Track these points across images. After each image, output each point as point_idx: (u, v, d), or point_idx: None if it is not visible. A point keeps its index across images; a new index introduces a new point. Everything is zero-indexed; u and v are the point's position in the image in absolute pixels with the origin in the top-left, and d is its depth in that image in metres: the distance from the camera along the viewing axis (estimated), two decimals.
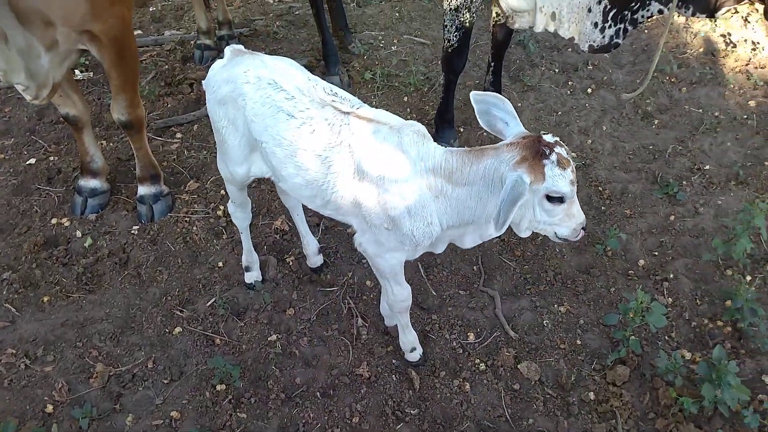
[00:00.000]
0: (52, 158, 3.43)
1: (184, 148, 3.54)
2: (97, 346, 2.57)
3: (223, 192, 3.27)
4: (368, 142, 1.91)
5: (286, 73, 2.05)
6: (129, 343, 2.60)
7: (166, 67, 4.18)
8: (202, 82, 2.25)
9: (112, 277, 2.83)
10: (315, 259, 2.89)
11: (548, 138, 1.78)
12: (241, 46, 2.22)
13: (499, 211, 1.72)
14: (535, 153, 1.75)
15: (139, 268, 2.87)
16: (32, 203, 3.13)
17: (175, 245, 2.98)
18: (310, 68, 4.18)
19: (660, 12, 2.68)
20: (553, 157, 1.74)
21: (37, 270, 2.81)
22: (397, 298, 2.26)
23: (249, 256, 2.76)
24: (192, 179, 3.33)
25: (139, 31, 4.60)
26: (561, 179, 1.75)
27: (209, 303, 2.74)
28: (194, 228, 3.07)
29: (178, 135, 3.62)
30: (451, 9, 3.07)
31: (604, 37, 2.86)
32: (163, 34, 4.57)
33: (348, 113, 1.96)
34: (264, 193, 3.30)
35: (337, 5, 4.38)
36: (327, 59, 4.16)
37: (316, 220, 3.09)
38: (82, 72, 3.97)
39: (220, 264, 2.92)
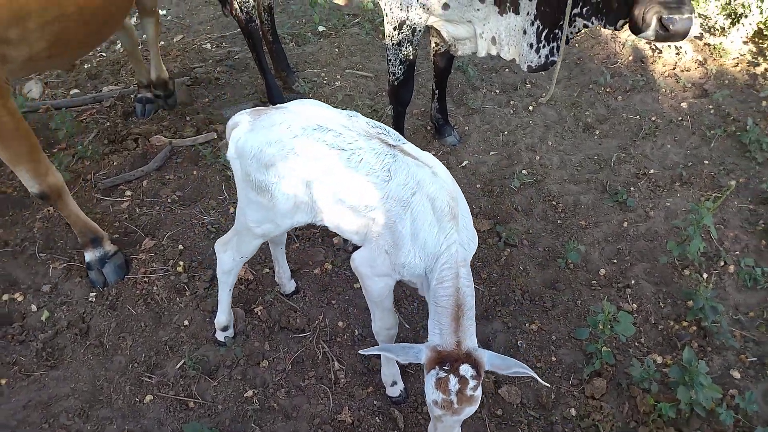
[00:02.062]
0: None
1: (135, 205, 3.45)
2: (65, 425, 2.44)
3: (181, 247, 3.20)
4: (407, 176, 2.00)
5: (325, 114, 2.14)
6: (99, 418, 2.48)
7: (108, 124, 4.08)
8: (227, 155, 2.25)
9: (74, 350, 2.70)
10: (289, 285, 2.94)
11: (464, 369, 1.80)
12: (251, 109, 2.25)
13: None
14: (441, 359, 1.83)
15: (101, 337, 2.76)
16: None
17: (136, 308, 2.88)
18: None
19: (585, 26, 2.80)
20: (442, 375, 1.80)
21: None
22: (383, 325, 2.30)
23: (228, 315, 2.71)
24: (147, 237, 3.24)
25: (76, 90, 4.48)
26: (430, 392, 1.83)
27: (178, 365, 2.65)
28: (154, 288, 2.97)
29: (128, 193, 3.52)
30: (393, 44, 3.12)
31: (540, 56, 2.96)
32: (101, 90, 4.46)
33: (394, 146, 2.06)
34: None
35: (276, 47, 4.40)
36: (272, 101, 4.15)
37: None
38: None
39: (186, 322, 2.84)
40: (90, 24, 2.70)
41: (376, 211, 2.03)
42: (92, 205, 3.42)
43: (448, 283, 1.92)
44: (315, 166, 2.07)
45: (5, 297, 2.90)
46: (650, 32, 2.33)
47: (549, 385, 2.02)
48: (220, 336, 2.74)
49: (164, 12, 5.69)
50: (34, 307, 2.87)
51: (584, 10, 2.70)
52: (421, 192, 2.00)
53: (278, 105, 2.27)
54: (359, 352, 2.13)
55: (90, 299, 2.92)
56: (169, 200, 3.47)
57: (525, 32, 2.93)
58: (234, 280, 2.60)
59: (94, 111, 4.21)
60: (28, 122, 3.80)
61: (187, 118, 4.19)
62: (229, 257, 2.49)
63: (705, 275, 3.07)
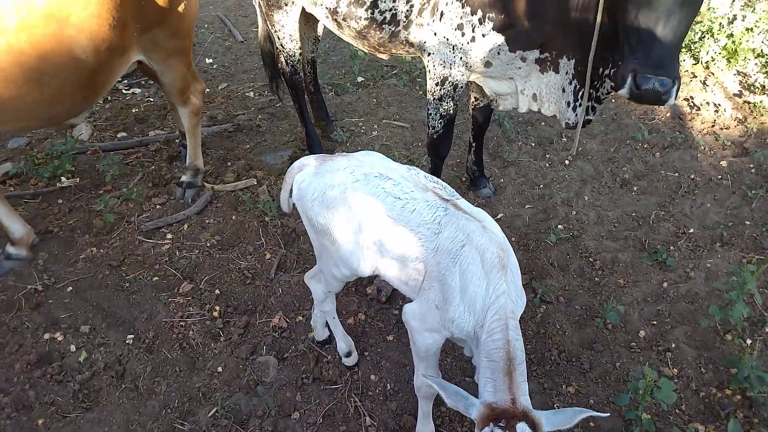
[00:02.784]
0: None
1: (175, 248, 3.52)
2: None
3: (217, 291, 3.24)
4: (456, 229, 2.02)
5: (387, 165, 2.25)
6: None
7: (153, 167, 4.22)
8: (292, 198, 2.38)
9: (109, 392, 2.73)
10: (323, 333, 2.96)
11: (521, 428, 1.73)
12: (318, 155, 2.40)
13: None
14: (496, 417, 1.76)
15: (136, 381, 2.79)
16: (23, 319, 3.06)
17: (171, 352, 2.91)
18: (295, 158, 4.31)
19: (612, 88, 2.83)
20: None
21: (30, 391, 2.71)
22: (425, 382, 2.27)
23: (346, 339, 2.84)
24: (185, 280, 3.30)
25: (124, 133, 4.66)
26: None
27: (210, 413, 2.65)
28: (190, 332, 3.01)
29: (169, 236, 3.61)
30: (435, 99, 3.19)
31: (576, 114, 2.99)
32: (147, 134, 4.64)
33: (447, 200, 2.12)
34: (258, 289, 3.28)
35: (317, 97, 4.53)
36: (311, 149, 4.26)
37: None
38: (68, 179, 3.99)
39: (220, 369, 2.85)
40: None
41: (425, 263, 2.05)
42: (134, 246, 3.51)
43: (498, 335, 1.88)
44: (371, 211, 2.13)
45: (46, 336, 2.97)
46: (625, 90, 2.35)
47: (607, 414, 1.92)
48: (347, 362, 2.85)
49: (210, 60, 5.94)
50: (73, 347, 2.92)
51: (612, 71, 2.73)
52: (471, 244, 2.00)
53: (345, 154, 2.39)
54: (422, 374, 2.15)
55: (127, 341, 2.96)
56: (207, 244, 3.55)
57: (564, 90, 2.98)
58: (332, 308, 2.72)
59: (140, 154, 4.37)
60: (77, 163, 4.04)
61: (229, 164, 4.31)
62: (320, 290, 2.62)
63: (749, 341, 2.96)
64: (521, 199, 3.99)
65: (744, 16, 5.34)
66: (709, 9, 5.59)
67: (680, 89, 4.87)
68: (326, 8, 3.24)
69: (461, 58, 2.95)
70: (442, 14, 2.87)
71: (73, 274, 3.31)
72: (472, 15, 2.78)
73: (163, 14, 3.17)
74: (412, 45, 3.16)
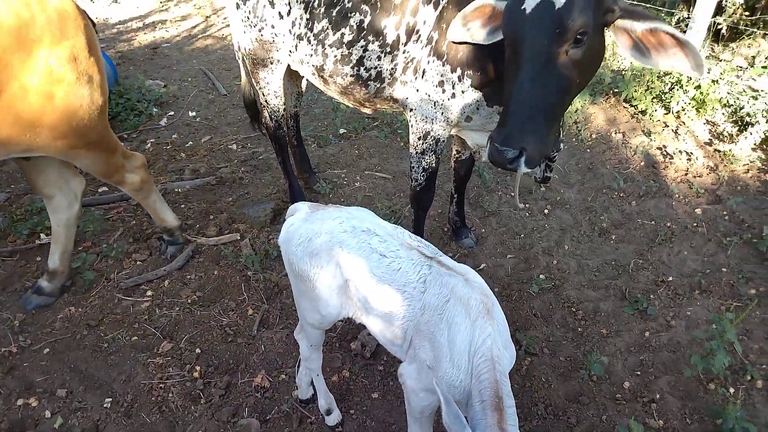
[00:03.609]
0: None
1: (155, 306, 3.47)
2: None
3: (198, 350, 3.19)
4: (440, 286, 2.04)
5: (374, 221, 2.28)
6: None
7: (134, 222, 4.20)
8: (279, 239, 2.41)
9: None
10: (307, 391, 2.91)
11: None
12: (312, 203, 2.44)
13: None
14: None
15: None
16: None
17: (150, 416, 2.83)
18: (278, 210, 4.34)
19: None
20: None
21: None
22: None
23: (327, 397, 2.79)
24: (165, 339, 3.24)
25: (105, 188, 4.65)
26: None
27: None
28: (170, 395, 2.94)
29: (149, 293, 3.57)
30: (417, 153, 3.25)
31: (538, 170, 3.09)
32: None
33: (431, 258, 2.13)
34: (240, 347, 3.23)
35: (300, 150, 4.58)
36: (293, 202, 4.26)
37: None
38: (47, 236, 3.94)
39: None
40: None
41: (414, 323, 2.05)
42: (113, 305, 3.46)
43: (486, 375, 1.86)
44: (356, 265, 2.14)
45: (19, 402, 2.88)
46: (485, 154, 2.47)
47: None
48: (329, 421, 2.79)
49: (193, 113, 6.00)
50: (48, 413, 2.83)
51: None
52: (455, 297, 2.01)
53: (337, 206, 2.43)
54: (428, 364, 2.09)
55: (105, 405, 2.88)
56: (189, 301, 3.50)
57: None
58: (317, 365, 2.69)
59: (121, 209, 4.35)
60: None
61: (211, 217, 4.31)
62: (305, 345, 2.61)
63: (732, 390, 2.98)
64: (503, 249, 4.03)
65: (709, 69, 5.57)
66: None
67: (653, 139, 5.01)
68: (313, 66, 3.32)
69: (442, 113, 3.03)
70: (424, 72, 2.95)
71: (50, 335, 3.23)
72: (452, 72, 2.87)
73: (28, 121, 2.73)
74: (395, 101, 3.23)
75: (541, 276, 3.73)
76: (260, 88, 3.80)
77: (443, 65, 2.88)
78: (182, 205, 4.44)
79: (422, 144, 3.20)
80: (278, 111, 3.91)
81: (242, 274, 3.72)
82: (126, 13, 9.35)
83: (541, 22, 2.14)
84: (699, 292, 3.61)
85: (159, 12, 9.50)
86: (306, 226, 2.30)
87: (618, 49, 2.23)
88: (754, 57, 6.56)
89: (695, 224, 4.22)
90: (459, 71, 2.86)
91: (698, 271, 3.78)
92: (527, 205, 4.44)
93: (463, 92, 2.91)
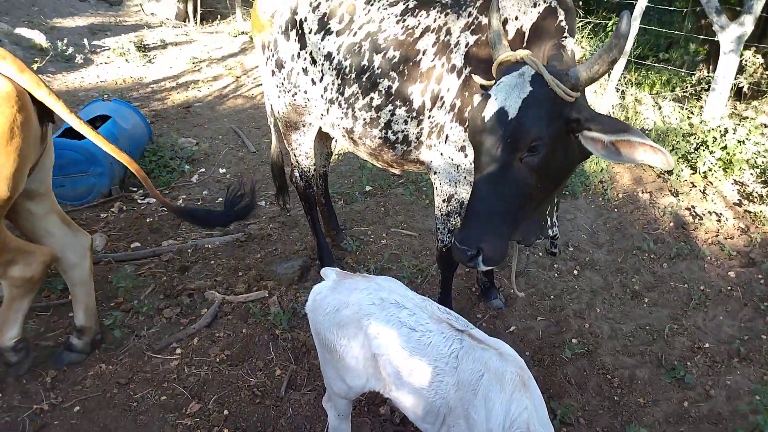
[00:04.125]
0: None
1: (184, 364, 3.46)
2: None
3: (226, 412, 3.15)
4: (474, 361, 2.01)
5: (403, 293, 2.26)
6: None
7: (165, 278, 4.25)
8: (306, 307, 2.40)
9: None
10: None
11: None
12: (340, 271, 2.44)
13: None
14: None
15: None
16: None
17: None
18: (306, 268, 4.36)
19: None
20: None
21: None
22: None
23: None
24: (194, 400, 3.21)
25: (137, 243, 4.73)
26: None
27: None
28: None
29: (178, 350, 3.56)
30: (442, 215, 3.27)
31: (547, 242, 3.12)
32: (160, 244, 4.70)
33: (462, 331, 2.11)
34: (268, 409, 3.19)
35: (328, 208, 4.64)
36: (322, 260, 4.31)
37: None
38: None
39: None
40: None
41: (447, 400, 2.01)
42: (143, 363, 3.45)
43: None
44: (385, 340, 2.12)
45: None
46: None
47: None
48: None
49: (224, 170, 6.15)
50: None
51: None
52: (489, 372, 1.99)
53: (366, 275, 2.42)
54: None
55: None
56: (217, 360, 3.49)
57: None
58: None
59: (153, 265, 4.41)
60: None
61: (240, 274, 4.34)
62: (333, 415, 2.57)
63: None
64: (533, 311, 3.98)
65: (735, 129, 5.59)
66: (701, 122, 5.87)
67: (681, 199, 4.98)
68: (343, 128, 3.41)
69: (466, 177, 3.07)
70: (447, 137, 3.02)
71: (81, 393, 3.23)
72: None
73: None
74: (422, 163, 3.29)
75: (574, 340, 3.66)
76: (292, 150, 3.90)
77: (465, 131, 2.94)
78: (212, 261, 4.49)
79: (447, 206, 3.24)
80: (309, 171, 3.99)
81: (270, 333, 3.71)
82: (160, 73, 9.74)
83: (496, 131, 2.20)
84: (738, 359, 3.51)
85: (191, 72, 9.88)
86: (333, 295, 2.29)
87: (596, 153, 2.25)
88: None
89: (729, 288, 4.14)
90: None
91: (736, 337, 3.68)
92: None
93: None
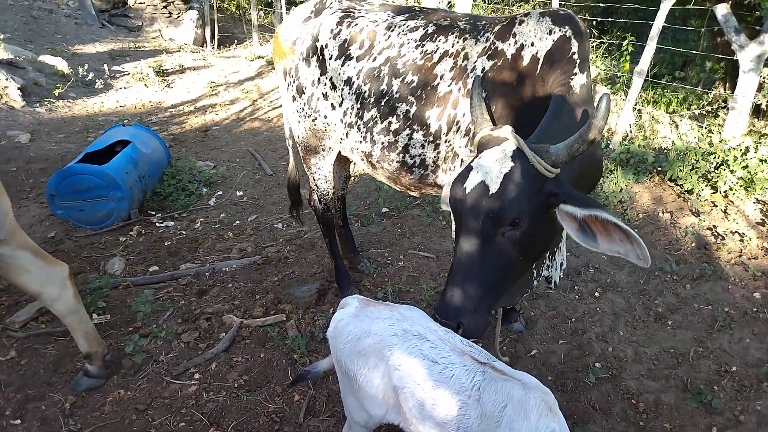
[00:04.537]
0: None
1: (202, 390, 3.45)
2: None
3: None
4: (496, 392, 1.97)
5: (426, 324, 2.22)
6: None
7: (183, 302, 4.25)
8: (327, 333, 2.38)
9: None
10: None
11: None
12: (363, 297, 2.42)
13: None
14: None
15: None
16: None
17: None
18: (323, 291, 4.34)
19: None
20: None
21: None
22: None
23: None
24: (212, 426, 3.19)
25: (155, 267, 4.75)
26: None
27: None
28: None
29: (196, 375, 3.55)
30: None
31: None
32: (178, 268, 4.72)
33: (485, 363, 2.07)
34: None
35: (346, 231, 4.64)
36: (340, 282, 4.29)
37: None
38: (99, 315, 4.01)
39: None
40: None
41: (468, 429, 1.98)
42: (161, 388, 3.44)
43: None
44: (407, 372, 2.09)
45: None
46: None
47: None
48: None
49: (241, 193, 6.19)
50: None
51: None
52: (512, 402, 1.95)
53: (389, 303, 2.39)
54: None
55: None
56: (235, 385, 3.47)
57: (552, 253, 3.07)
58: None
59: (171, 289, 4.43)
60: (108, 299, 4.06)
61: (257, 297, 4.34)
62: None
63: None
64: (554, 334, 3.91)
65: (756, 148, 5.52)
66: (721, 141, 5.81)
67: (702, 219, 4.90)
68: (362, 152, 3.43)
69: None
70: (462, 161, 3.01)
71: (99, 419, 3.22)
72: None
73: None
74: (440, 187, 3.28)
75: (597, 364, 3.59)
76: (311, 173, 3.91)
77: None
78: (229, 285, 4.49)
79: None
80: (327, 195, 4.00)
81: (288, 357, 3.69)
82: (178, 97, 9.90)
83: (477, 204, 2.17)
84: (767, 384, 3.41)
85: (209, 96, 10.02)
86: (355, 323, 2.28)
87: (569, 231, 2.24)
88: None
89: (755, 309, 4.04)
90: None
91: (764, 360, 3.58)
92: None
93: None
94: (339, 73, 3.37)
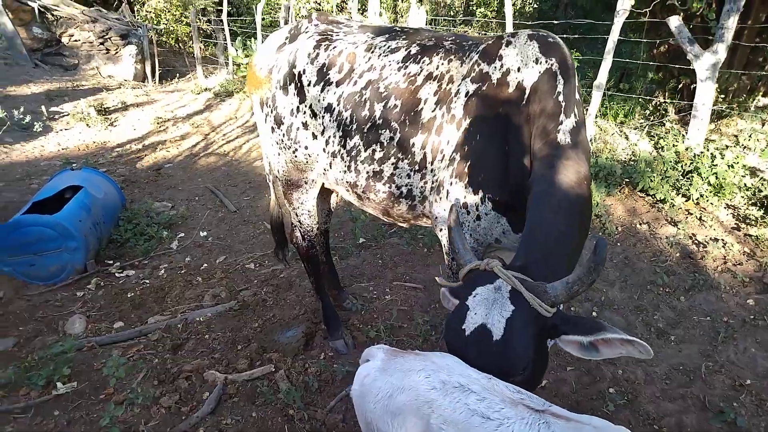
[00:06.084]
0: None
1: None
2: None
3: None
4: None
5: (465, 372, 1.94)
6: None
7: (157, 360, 3.85)
8: (351, 393, 2.09)
9: None
10: None
11: None
12: (388, 348, 2.11)
13: None
14: None
15: None
16: None
17: None
18: (310, 335, 4.04)
19: None
20: None
21: None
22: None
23: None
24: None
25: (120, 323, 4.32)
26: None
27: None
28: None
29: None
30: (453, 271, 3.04)
31: None
32: (146, 322, 4.31)
33: (542, 411, 1.81)
34: None
35: (329, 267, 4.36)
36: (328, 323, 4.00)
37: None
38: (64, 383, 3.57)
39: None
40: None
41: None
42: None
43: None
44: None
45: None
46: None
47: None
48: None
49: (205, 233, 5.81)
50: None
51: None
52: None
53: (419, 352, 2.11)
54: None
55: None
56: None
57: None
58: None
59: (141, 346, 4.01)
60: (73, 363, 3.62)
61: (239, 348, 3.98)
62: None
63: None
64: (560, 360, 3.74)
65: (722, 154, 5.62)
66: (687, 149, 5.89)
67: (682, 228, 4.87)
68: (347, 182, 3.19)
69: (470, 234, 2.85)
70: (448, 192, 2.81)
71: None
72: (474, 195, 2.72)
73: None
74: (429, 218, 3.08)
75: (611, 389, 3.44)
76: (293, 209, 3.64)
77: (465, 187, 2.73)
78: (206, 336, 4.12)
79: (455, 264, 3.02)
80: (312, 231, 3.73)
81: (283, 414, 3.36)
82: (123, 136, 9.40)
83: (482, 352, 2.01)
84: None
85: (157, 133, 9.56)
86: (384, 378, 2.00)
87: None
88: (735, 135, 6.68)
89: (752, 317, 4.01)
90: (481, 193, 2.71)
91: None
92: (573, 309, 4.22)
93: (486, 214, 2.75)
94: (319, 100, 3.14)
